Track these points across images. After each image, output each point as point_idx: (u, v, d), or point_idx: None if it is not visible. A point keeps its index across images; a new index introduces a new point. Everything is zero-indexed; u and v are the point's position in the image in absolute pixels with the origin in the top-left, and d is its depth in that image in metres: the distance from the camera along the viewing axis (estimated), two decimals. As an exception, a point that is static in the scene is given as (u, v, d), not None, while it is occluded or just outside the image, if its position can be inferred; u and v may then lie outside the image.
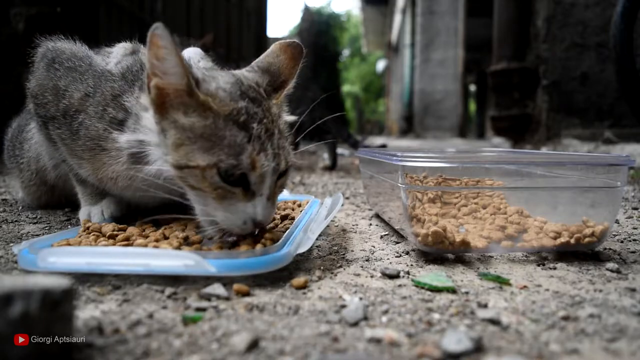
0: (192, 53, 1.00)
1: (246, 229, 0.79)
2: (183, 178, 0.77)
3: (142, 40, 1.03)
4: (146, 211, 1.00)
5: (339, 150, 3.98)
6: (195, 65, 0.88)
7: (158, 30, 0.71)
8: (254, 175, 0.77)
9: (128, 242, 0.84)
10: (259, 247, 0.78)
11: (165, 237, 0.86)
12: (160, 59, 0.74)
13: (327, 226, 1.13)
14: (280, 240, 0.80)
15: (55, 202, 1.30)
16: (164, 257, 0.71)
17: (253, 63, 0.91)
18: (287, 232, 0.86)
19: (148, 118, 0.82)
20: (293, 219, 1.04)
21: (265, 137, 0.78)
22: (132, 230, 0.91)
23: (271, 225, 1.02)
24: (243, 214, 0.78)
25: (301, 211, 1.11)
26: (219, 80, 0.80)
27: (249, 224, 0.79)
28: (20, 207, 1.35)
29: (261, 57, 0.92)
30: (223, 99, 0.77)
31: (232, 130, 0.75)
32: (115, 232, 0.89)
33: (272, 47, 0.92)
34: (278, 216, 1.08)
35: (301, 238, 0.84)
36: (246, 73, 0.87)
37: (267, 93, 0.85)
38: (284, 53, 0.90)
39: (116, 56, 0.99)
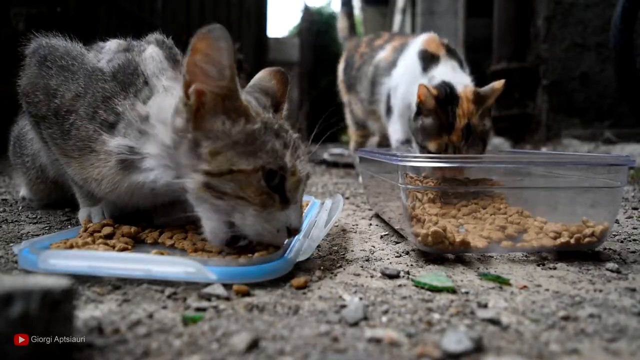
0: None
1: (281, 237, 0.78)
2: (216, 187, 0.74)
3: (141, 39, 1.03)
4: (143, 213, 0.99)
5: (338, 150, 3.98)
6: None
7: (217, 32, 0.70)
8: (291, 181, 0.78)
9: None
10: (258, 255, 0.78)
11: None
12: (214, 63, 0.72)
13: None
14: (281, 248, 0.80)
15: (61, 198, 1.27)
16: (165, 263, 0.71)
17: (252, 84, 0.94)
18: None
19: (163, 131, 0.80)
20: None
21: (295, 144, 0.81)
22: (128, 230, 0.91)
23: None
24: (278, 222, 0.77)
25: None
26: (243, 93, 0.82)
27: (283, 232, 0.78)
28: (20, 207, 1.35)
29: (256, 81, 0.94)
30: (257, 107, 0.80)
31: (270, 136, 0.77)
32: (129, 231, 0.91)
33: (263, 73, 0.95)
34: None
35: (302, 244, 0.83)
36: (252, 92, 0.89)
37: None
38: (274, 78, 0.94)
39: (108, 52, 0.96)
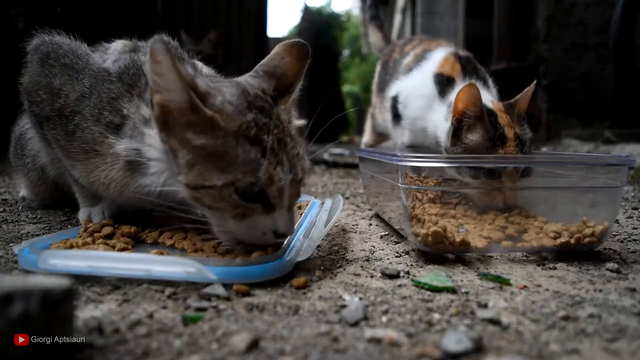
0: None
1: (267, 240, 0.78)
2: (198, 198, 0.75)
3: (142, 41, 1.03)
4: (143, 213, 0.99)
5: (339, 150, 3.98)
6: (204, 74, 0.86)
7: (156, 45, 0.68)
8: (272, 190, 0.74)
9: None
10: (255, 255, 0.78)
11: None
12: (159, 74, 0.70)
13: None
14: (281, 248, 0.80)
15: (62, 198, 1.27)
16: (165, 263, 0.71)
17: (257, 67, 0.87)
18: (288, 238, 0.86)
19: (152, 135, 0.80)
20: None
21: (279, 149, 0.75)
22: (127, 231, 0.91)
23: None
24: (263, 227, 0.77)
25: (301, 214, 1.11)
26: (225, 93, 0.77)
27: (269, 236, 0.77)
28: (20, 207, 1.35)
29: (266, 59, 0.87)
30: (230, 114, 0.73)
31: (244, 146, 0.72)
32: (129, 231, 0.91)
33: (277, 49, 0.87)
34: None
35: (302, 244, 0.83)
36: (250, 79, 0.83)
37: (274, 99, 0.81)
38: (289, 54, 0.86)
39: (114, 53, 0.95)
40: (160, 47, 0.68)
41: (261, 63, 0.87)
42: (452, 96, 1.43)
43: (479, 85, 1.44)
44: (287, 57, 0.86)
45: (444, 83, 1.51)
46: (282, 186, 0.75)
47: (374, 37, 2.56)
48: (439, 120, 1.44)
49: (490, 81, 1.57)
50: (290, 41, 0.87)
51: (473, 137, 1.21)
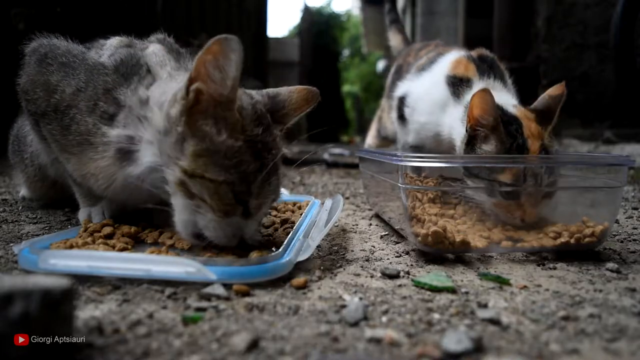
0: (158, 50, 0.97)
1: (232, 242, 0.82)
2: (187, 185, 0.78)
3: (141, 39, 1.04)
4: (143, 213, 0.99)
5: (339, 150, 3.98)
6: None
7: (233, 43, 0.72)
8: (255, 203, 0.81)
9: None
10: (255, 254, 0.78)
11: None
12: (221, 69, 0.74)
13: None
14: (281, 248, 0.80)
15: (60, 197, 1.27)
16: (165, 263, 0.71)
17: (271, 89, 0.93)
18: (288, 238, 0.86)
19: (157, 114, 0.82)
20: (293, 223, 1.04)
21: (272, 168, 0.81)
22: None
23: (270, 230, 1.03)
24: (236, 229, 0.81)
25: (301, 214, 1.11)
26: (242, 99, 0.81)
27: (237, 238, 0.82)
28: (20, 207, 1.35)
29: (278, 89, 0.93)
30: (247, 123, 0.79)
31: (249, 156, 0.78)
32: (129, 231, 0.91)
33: (294, 87, 0.93)
34: (278, 220, 1.09)
35: (302, 244, 0.84)
36: (256, 95, 0.88)
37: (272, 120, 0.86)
38: (298, 92, 0.92)
39: (110, 48, 0.98)
40: (236, 47, 0.72)
41: (270, 89, 0.93)
42: (468, 96, 1.27)
43: (498, 85, 1.34)
44: (296, 94, 0.91)
45: (457, 84, 1.39)
46: (264, 202, 0.83)
47: (395, 40, 2.54)
48: (454, 123, 1.32)
49: (509, 80, 1.44)
50: (308, 87, 0.93)
51: (487, 148, 1.09)
